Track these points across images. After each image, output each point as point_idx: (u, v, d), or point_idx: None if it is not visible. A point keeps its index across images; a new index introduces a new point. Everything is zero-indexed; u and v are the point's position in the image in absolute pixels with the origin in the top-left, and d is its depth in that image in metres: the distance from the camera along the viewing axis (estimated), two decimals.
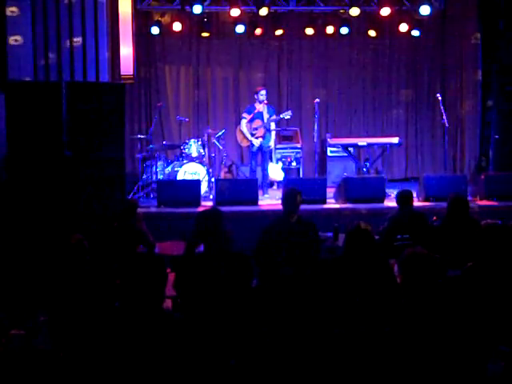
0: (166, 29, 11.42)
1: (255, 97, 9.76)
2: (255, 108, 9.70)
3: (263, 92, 9.69)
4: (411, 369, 3.06)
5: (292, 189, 5.84)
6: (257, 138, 9.61)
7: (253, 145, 9.60)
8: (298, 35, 12.08)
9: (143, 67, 11.77)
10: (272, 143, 10.26)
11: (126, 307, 3.08)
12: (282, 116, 9.77)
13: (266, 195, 9.57)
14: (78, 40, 8.30)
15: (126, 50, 10.19)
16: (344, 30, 11.53)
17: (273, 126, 9.86)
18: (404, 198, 6.54)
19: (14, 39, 7.98)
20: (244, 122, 9.78)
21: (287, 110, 10.22)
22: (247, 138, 9.67)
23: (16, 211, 6.99)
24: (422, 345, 3.08)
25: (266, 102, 9.69)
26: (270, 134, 9.89)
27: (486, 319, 3.42)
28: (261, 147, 9.68)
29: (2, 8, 7.89)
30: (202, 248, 4.27)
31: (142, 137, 10.60)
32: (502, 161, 10.84)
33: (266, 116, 9.67)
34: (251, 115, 9.65)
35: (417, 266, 3.23)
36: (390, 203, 8.37)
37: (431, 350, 3.06)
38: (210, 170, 10.00)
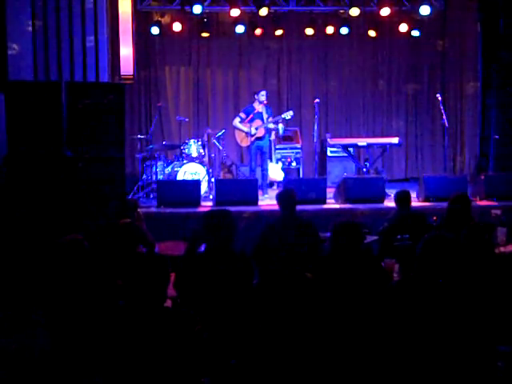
0: (165, 29, 11.42)
1: (255, 97, 9.75)
2: (254, 108, 9.69)
3: (263, 93, 9.70)
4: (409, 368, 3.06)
5: (285, 190, 5.88)
6: (257, 138, 9.60)
7: (252, 143, 9.58)
8: (298, 35, 12.09)
9: (143, 67, 11.78)
10: (272, 136, 10.33)
11: (129, 307, 3.09)
12: (283, 116, 9.75)
13: (266, 195, 9.56)
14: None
15: (126, 50, 10.19)
16: (344, 30, 11.53)
17: (271, 125, 9.85)
18: (402, 199, 6.57)
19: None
20: (237, 119, 9.77)
21: (288, 110, 10.20)
22: (245, 132, 9.62)
23: (16, 211, 6.99)
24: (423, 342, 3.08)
25: (265, 102, 9.69)
26: (270, 135, 9.92)
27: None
28: (260, 147, 9.67)
29: (1, 8, 7.89)
30: (202, 248, 4.28)
31: (142, 137, 10.60)
32: (502, 161, 10.86)
33: (265, 116, 9.67)
34: (250, 116, 9.63)
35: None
36: (390, 203, 8.37)
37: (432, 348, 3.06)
38: (210, 170, 10.00)
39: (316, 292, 3.72)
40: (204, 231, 4.08)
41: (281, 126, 9.97)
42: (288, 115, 9.72)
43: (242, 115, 9.76)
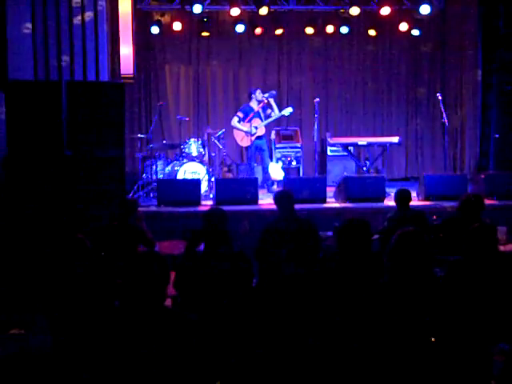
0: (166, 28, 11.43)
1: (252, 96, 9.74)
2: (252, 108, 9.67)
3: (259, 91, 9.72)
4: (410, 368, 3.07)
5: (282, 191, 5.90)
6: (257, 137, 9.60)
7: (252, 142, 9.57)
8: (298, 34, 12.08)
9: (143, 67, 11.77)
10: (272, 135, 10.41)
11: (129, 306, 3.09)
12: (282, 113, 9.73)
13: (270, 193, 9.55)
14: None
15: (126, 50, 10.19)
16: (344, 30, 11.53)
17: (277, 114, 9.79)
18: (402, 198, 6.58)
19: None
20: (236, 119, 9.74)
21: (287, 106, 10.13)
22: (244, 131, 9.60)
23: (16, 211, 7.00)
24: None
25: (266, 101, 9.66)
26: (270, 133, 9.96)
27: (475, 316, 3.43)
28: (259, 146, 9.67)
29: (2, 7, 7.90)
30: (202, 247, 4.28)
31: (142, 136, 10.60)
32: (502, 160, 10.85)
33: (262, 115, 9.68)
34: (251, 115, 9.61)
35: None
36: (390, 202, 8.37)
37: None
38: (210, 170, 10.00)
39: (318, 291, 3.73)
40: (203, 231, 4.09)
41: (288, 110, 9.79)
42: (287, 111, 9.70)
43: (240, 115, 9.74)
